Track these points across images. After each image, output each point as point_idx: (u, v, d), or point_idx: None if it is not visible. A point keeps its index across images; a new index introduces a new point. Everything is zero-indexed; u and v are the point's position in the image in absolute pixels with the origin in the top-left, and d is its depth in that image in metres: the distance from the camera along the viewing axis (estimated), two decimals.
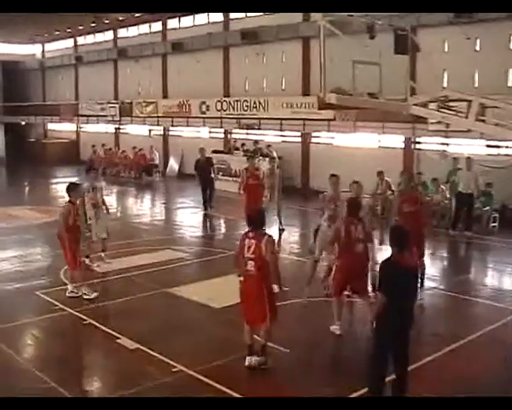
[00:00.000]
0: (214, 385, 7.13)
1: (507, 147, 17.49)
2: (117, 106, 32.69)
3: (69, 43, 39.07)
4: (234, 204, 18.16)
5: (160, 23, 31.13)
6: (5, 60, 40.80)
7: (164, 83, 31.51)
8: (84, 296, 10.37)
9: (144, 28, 32.47)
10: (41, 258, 13.59)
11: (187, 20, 29.44)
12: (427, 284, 11.01)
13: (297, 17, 23.17)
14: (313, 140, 24.14)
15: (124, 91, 33.88)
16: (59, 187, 25.85)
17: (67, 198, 10.68)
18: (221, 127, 27.44)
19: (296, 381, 7.42)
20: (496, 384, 7.22)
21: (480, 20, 17.55)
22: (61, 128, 39.64)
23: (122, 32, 34.27)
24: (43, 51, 42.17)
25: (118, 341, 8.51)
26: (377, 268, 6.87)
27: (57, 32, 37.07)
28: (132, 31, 33.45)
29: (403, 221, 9.71)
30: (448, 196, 17.01)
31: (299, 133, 24.19)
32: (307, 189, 23.53)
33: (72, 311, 9.78)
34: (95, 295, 10.40)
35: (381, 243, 10.58)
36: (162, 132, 31.71)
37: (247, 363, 7.58)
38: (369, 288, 9.00)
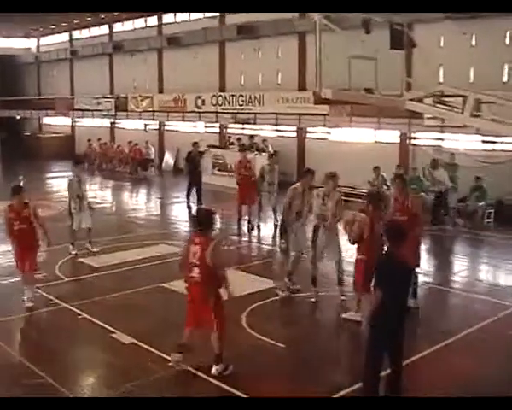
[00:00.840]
0: (210, 380, 7.13)
1: (502, 142, 17.53)
2: (112, 100, 32.61)
3: (64, 37, 38.95)
4: (225, 198, 18.18)
5: (155, 17, 31.06)
6: (0, 54, 40.54)
7: (159, 77, 31.45)
8: (25, 301, 9.71)
9: (140, 22, 32.38)
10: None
11: (183, 15, 29.34)
12: (421, 279, 10.99)
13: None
14: (309, 135, 24.15)
15: (119, 86, 33.80)
16: (54, 182, 25.82)
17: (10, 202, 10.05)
18: (217, 122, 27.43)
19: (291, 376, 7.45)
20: (490, 379, 7.23)
21: (476, 15, 17.53)
22: (57, 122, 39.49)
23: (117, 27, 34.17)
24: (38, 45, 42.05)
25: (113, 335, 8.51)
26: None
27: (52, 27, 37.03)
28: (128, 25, 33.36)
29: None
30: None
31: (294, 128, 24.19)
32: None
33: (67, 305, 9.78)
34: (31, 305, 9.70)
35: None
36: (158, 127, 31.66)
37: (171, 360, 7.42)
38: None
